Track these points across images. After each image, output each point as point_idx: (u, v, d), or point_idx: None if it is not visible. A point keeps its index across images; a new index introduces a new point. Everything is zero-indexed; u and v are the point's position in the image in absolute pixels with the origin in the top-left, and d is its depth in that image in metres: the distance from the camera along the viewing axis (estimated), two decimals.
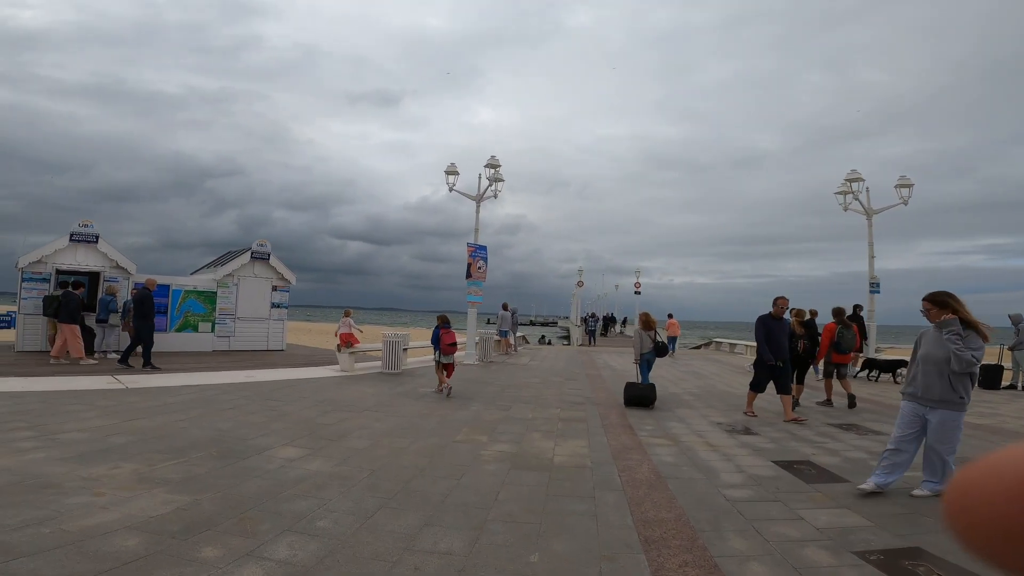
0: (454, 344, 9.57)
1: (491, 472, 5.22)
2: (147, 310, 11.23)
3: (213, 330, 15.14)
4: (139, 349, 11.22)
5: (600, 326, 24.91)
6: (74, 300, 11.66)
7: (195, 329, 14.80)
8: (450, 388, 9.39)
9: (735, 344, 25.40)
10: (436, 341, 9.56)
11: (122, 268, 13.87)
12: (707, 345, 29.02)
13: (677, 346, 22.84)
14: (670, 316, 23.88)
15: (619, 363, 17.37)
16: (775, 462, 5.92)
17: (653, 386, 9.21)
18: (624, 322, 51.14)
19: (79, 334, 11.65)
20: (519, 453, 5.92)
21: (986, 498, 0.28)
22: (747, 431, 7.51)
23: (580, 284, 40.41)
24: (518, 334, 21.54)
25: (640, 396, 9.04)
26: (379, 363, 12.24)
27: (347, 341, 16.95)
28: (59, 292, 12.93)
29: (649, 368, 9.94)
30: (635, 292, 39.72)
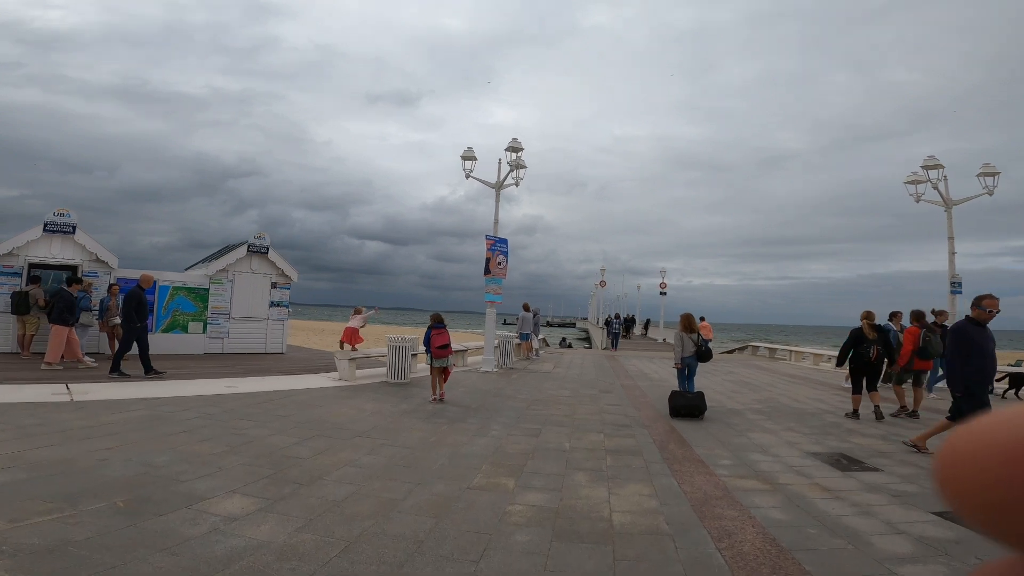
0: (446, 347, 8.54)
1: (524, 547, 3.48)
2: (134, 311, 9.68)
3: (205, 331, 13.66)
4: (127, 352, 9.76)
5: (622, 328, 22.75)
6: (66, 299, 10.30)
7: (184, 330, 13.34)
8: (442, 396, 8.52)
9: (774, 348, 23.27)
10: (427, 343, 8.59)
11: (102, 261, 12.47)
12: (742, 349, 26.87)
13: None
14: (702, 319, 22.65)
15: (654, 370, 15.49)
16: (939, 515, 4.11)
17: (702, 394, 8.29)
18: (647, 324, 48.92)
19: (67, 337, 10.28)
20: (561, 510, 4.17)
21: (978, 463, 0.27)
22: (859, 464, 5.68)
23: (602, 284, 38.48)
24: (539, 336, 19.74)
25: (689, 405, 8.08)
26: (385, 370, 10.57)
27: (351, 340, 15.42)
28: (29, 288, 11.59)
29: (692, 374, 9.03)
30: (660, 292, 37.86)
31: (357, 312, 15.57)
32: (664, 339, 36.99)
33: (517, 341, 16.13)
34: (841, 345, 8.92)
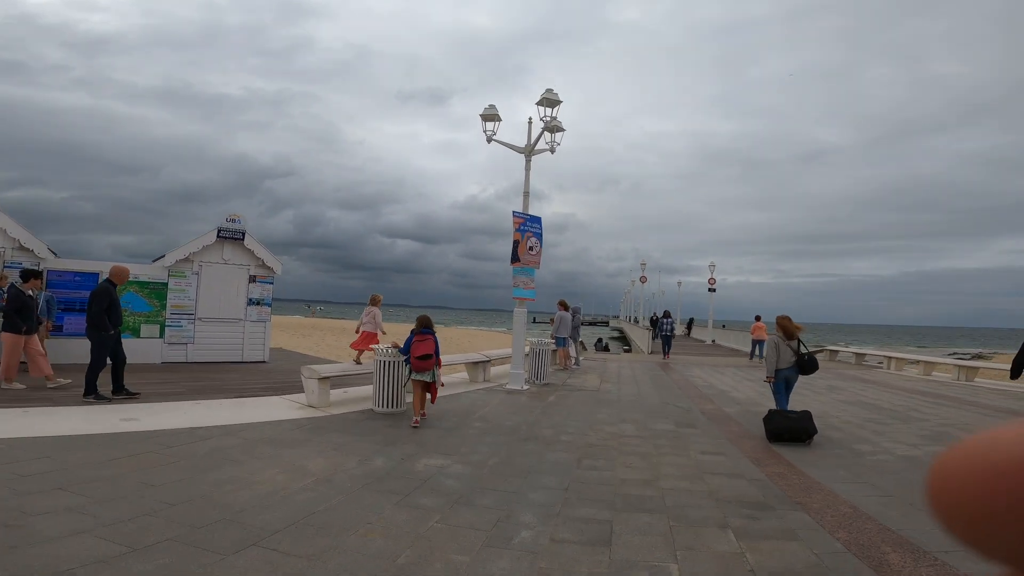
0: (429, 357, 6.63)
1: None
2: (106, 313, 7.00)
3: (162, 335, 10.97)
4: (103, 367, 7.16)
5: (670, 327, 18.65)
6: (19, 299, 7.61)
7: (136, 333, 10.65)
8: (423, 415, 6.77)
9: (863, 354, 19.36)
10: (407, 351, 6.76)
11: (27, 249, 9.89)
12: (816, 354, 22.84)
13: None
14: (757, 318, 20.02)
15: (730, 385, 12.04)
16: None
17: (809, 414, 6.58)
18: (690, 324, 44.68)
19: (37, 347, 7.80)
20: None
21: (966, 480, 0.28)
22: None
23: (643, 280, 34.84)
24: (579, 339, 16.25)
25: (794, 428, 6.33)
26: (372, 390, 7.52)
27: (370, 346, 12.33)
28: None
29: (788, 390, 7.24)
30: (709, 289, 34.02)
31: (374, 303, 11.89)
32: (713, 340, 33.19)
33: (553, 347, 12.93)
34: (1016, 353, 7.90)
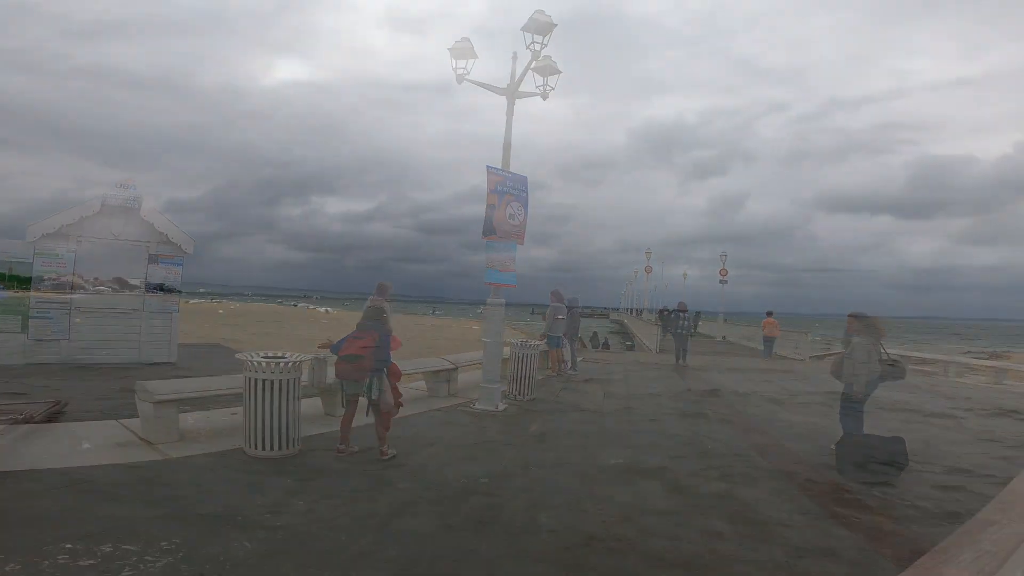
0: (355, 359, 4.51)
1: None
2: None
3: (25, 329, 8.32)
4: None
5: (686, 324, 15.58)
6: None
7: None
8: (339, 450, 4.65)
9: (905, 356, 16.72)
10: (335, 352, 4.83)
11: None
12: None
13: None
14: (769, 314, 18.64)
15: (776, 401, 9.38)
16: None
17: (902, 440, 4.93)
18: (697, 318, 41.75)
19: None
20: None
21: None
22: None
23: (648, 270, 32.20)
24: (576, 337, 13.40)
25: (879, 458, 4.81)
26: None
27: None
28: None
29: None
30: (720, 281, 31.43)
31: (380, 292, 8.38)
32: (724, 337, 30.64)
33: (543, 347, 10.26)
34: None
